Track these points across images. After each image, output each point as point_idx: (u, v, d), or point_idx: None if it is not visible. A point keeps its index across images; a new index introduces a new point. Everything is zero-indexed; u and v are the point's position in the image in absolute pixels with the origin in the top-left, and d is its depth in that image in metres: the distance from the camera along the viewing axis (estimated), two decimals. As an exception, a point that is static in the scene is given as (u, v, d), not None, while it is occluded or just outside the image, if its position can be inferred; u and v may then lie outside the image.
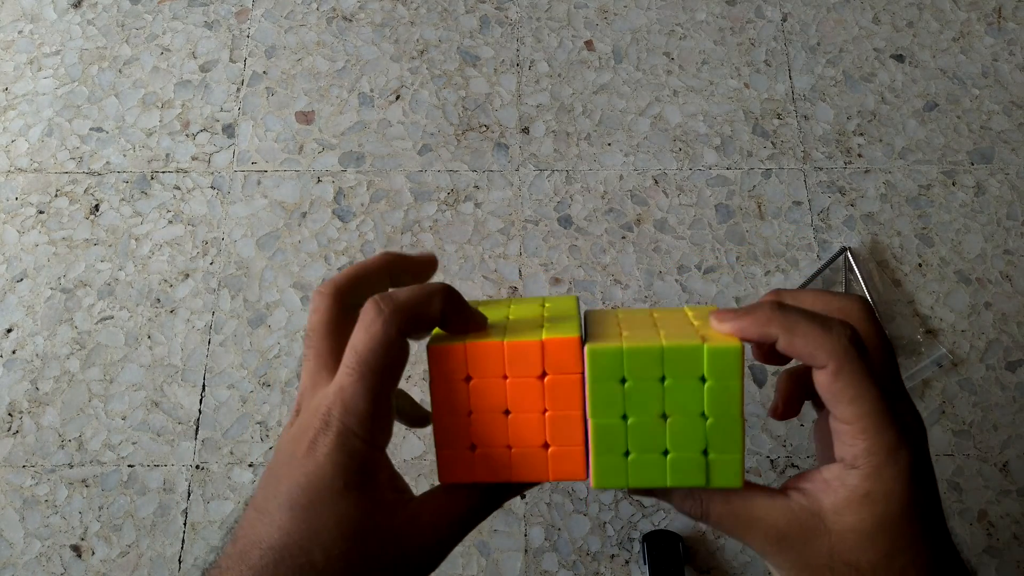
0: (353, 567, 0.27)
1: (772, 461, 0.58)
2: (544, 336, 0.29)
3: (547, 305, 0.33)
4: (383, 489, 0.28)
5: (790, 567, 0.28)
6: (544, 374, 0.29)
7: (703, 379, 0.29)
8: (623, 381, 0.29)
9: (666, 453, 0.29)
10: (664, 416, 0.29)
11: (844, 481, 0.29)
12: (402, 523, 0.28)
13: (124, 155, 0.67)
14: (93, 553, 0.55)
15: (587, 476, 0.29)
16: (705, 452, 0.29)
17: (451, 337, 0.30)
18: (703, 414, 0.29)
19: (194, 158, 0.67)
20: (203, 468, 0.57)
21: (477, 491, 0.29)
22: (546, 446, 0.30)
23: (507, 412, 0.30)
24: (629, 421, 0.29)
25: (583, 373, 0.29)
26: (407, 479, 0.35)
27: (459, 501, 0.29)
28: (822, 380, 0.28)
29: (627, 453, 0.29)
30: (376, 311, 0.28)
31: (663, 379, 0.29)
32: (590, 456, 0.29)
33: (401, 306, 0.29)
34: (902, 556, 0.28)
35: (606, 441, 0.29)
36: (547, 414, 0.30)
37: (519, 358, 0.29)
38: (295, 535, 0.27)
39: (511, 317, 0.32)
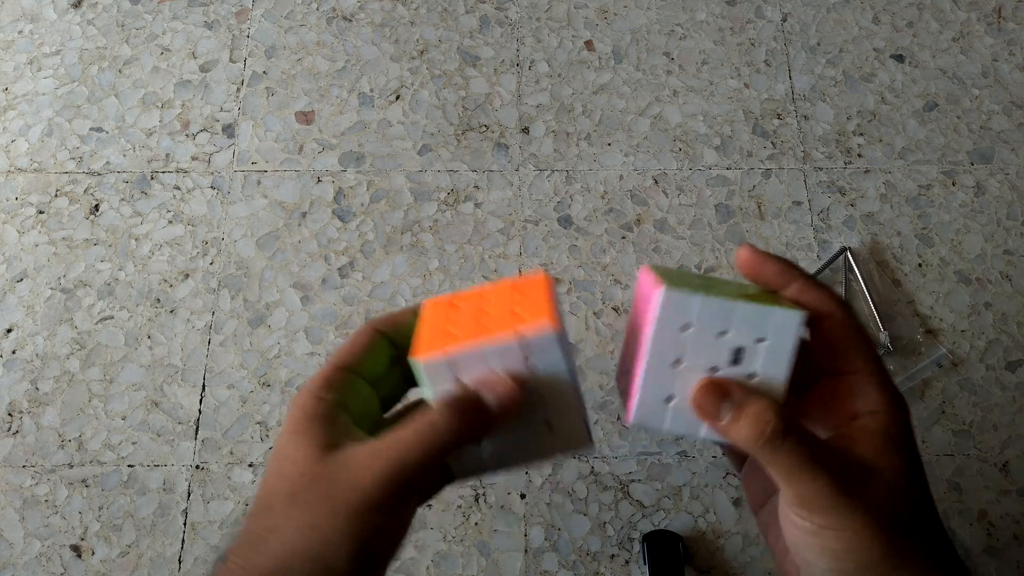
0: (297, 500, 0.29)
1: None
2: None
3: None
4: (330, 431, 0.31)
5: (851, 510, 0.29)
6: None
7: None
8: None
9: None
10: (714, 370, 0.30)
11: (873, 427, 0.30)
12: (343, 459, 0.30)
13: (124, 155, 0.67)
14: (93, 553, 0.55)
15: (552, 322, 0.30)
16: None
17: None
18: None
19: (194, 158, 0.67)
20: (203, 468, 0.57)
21: (412, 433, 0.30)
22: (516, 319, 0.31)
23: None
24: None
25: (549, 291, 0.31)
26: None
27: (396, 443, 0.30)
28: (833, 327, 0.31)
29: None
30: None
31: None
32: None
33: (383, 315, 0.35)
34: (924, 497, 0.30)
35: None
36: (517, 302, 0.32)
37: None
38: (260, 485, 0.31)
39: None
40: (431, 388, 0.30)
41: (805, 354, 0.31)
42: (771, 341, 0.29)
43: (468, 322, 0.31)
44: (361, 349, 0.33)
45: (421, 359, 0.30)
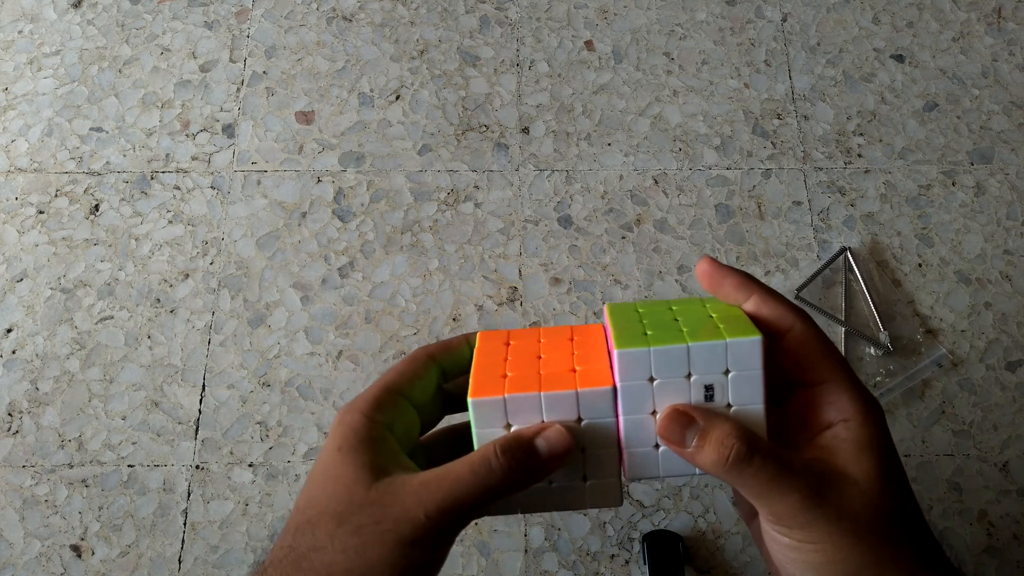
0: (345, 522, 0.29)
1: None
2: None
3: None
4: (378, 455, 0.30)
5: (827, 523, 0.29)
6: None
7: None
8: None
9: None
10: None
11: (845, 435, 0.30)
12: (394, 487, 0.29)
13: (124, 155, 0.67)
14: (93, 553, 0.55)
15: (614, 382, 0.30)
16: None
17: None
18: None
19: (194, 158, 0.67)
20: (203, 468, 0.57)
21: (468, 471, 0.29)
22: (574, 370, 0.31)
23: (540, 358, 0.32)
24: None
25: (605, 328, 0.30)
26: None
27: (452, 480, 0.29)
28: (792, 343, 0.31)
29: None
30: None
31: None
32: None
33: (435, 343, 0.35)
34: (905, 500, 0.30)
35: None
36: (575, 354, 0.32)
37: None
38: (300, 498, 0.31)
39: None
40: (481, 427, 0.30)
41: (773, 369, 0.32)
42: (736, 372, 0.30)
43: (524, 365, 0.32)
44: (414, 375, 0.34)
45: (477, 399, 0.30)
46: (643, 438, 0.30)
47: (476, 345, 0.34)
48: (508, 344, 0.34)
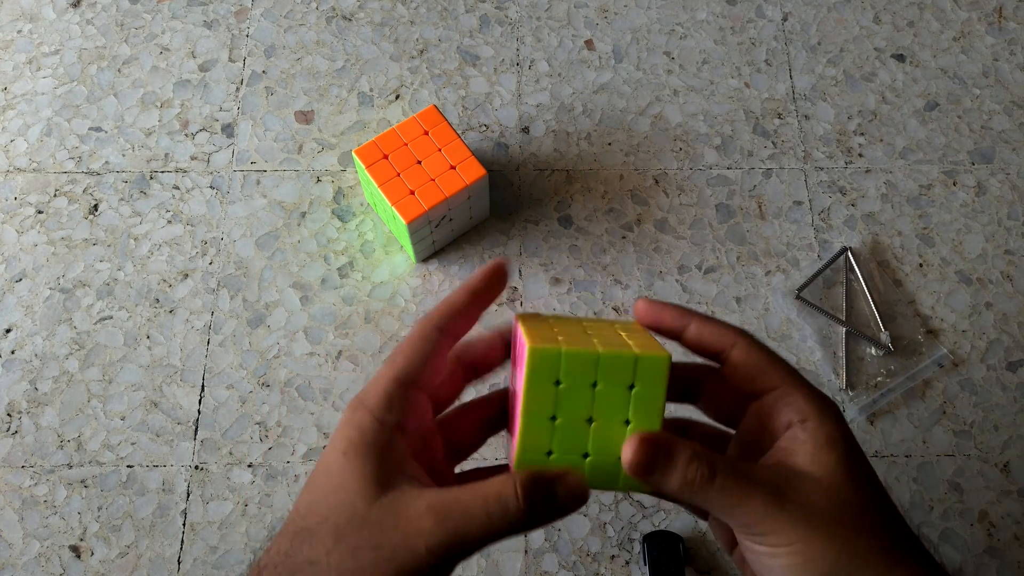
0: (343, 538, 0.28)
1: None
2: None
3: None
4: (385, 464, 0.29)
5: (793, 524, 0.29)
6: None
7: (631, 387, 0.30)
8: (557, 383, 0.30)
9: (586, 456, 0.30)
10: (590, 420, 0.30)
11: (803, 436, 0.31)
12: (397, 507, 0.28)
13: (123, 155, 0.67)
14: (92, 554, 0.55)
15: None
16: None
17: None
18: (627, 421, 0.30)
19: (193, 158, 0.67)
20: (202, 468, 0.57)
21: (480, 507, 0.28)
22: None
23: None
24: (556, 422, 0.30)
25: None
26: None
27: (459, 511, 0.28)
28: (737, 358, 0.32)
29: (549, 453, 0.30)
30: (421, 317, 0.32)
31: (595, 384, 0.30)
32: (514, 449, 0.30)
33: (438, 307, 0.32)
34: (873, 492, 0.31)
35: (532, 439, 0.30)
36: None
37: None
38: (300, 499, 0.30)
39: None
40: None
41: (726, 386, 0.33)
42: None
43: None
44: (423, 358, 0.31)
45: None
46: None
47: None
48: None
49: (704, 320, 0.33)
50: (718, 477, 0.29)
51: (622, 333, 0.33)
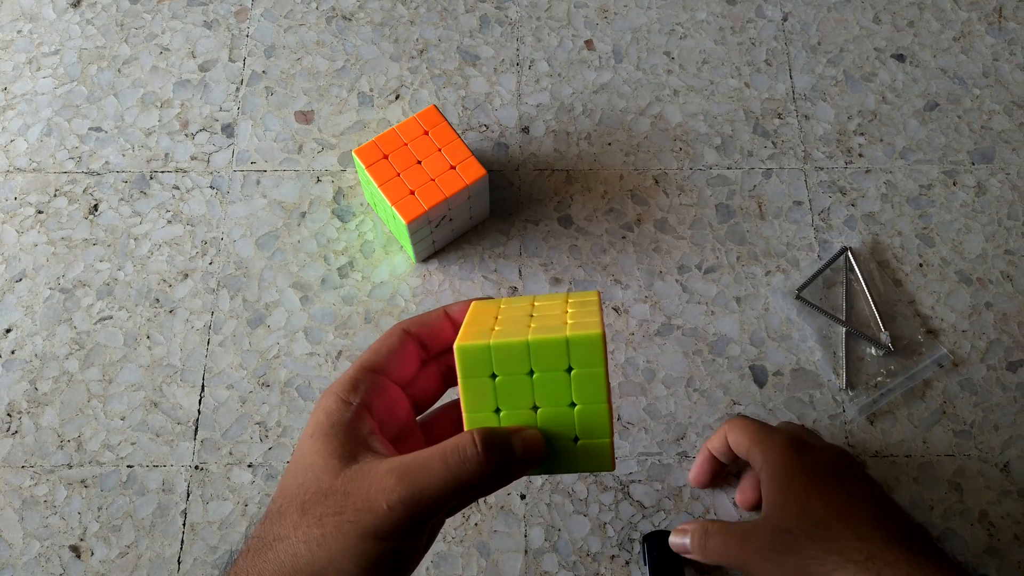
0: (308, 512, 0.28)
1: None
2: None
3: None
4: (351, 441, 0.30)
5: (753, 558, 0.43)
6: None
7: (569, 369, 0.29)
8: (493, 376, 0.30)
9: None
10: (535, 408, 0.30)
11: (760, 482, 0.45)
12: (359, 474, 0.28)
13: (123, 155, 0.67)
14: (92, 554, 0.55)
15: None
16: (576, 439, 0.30)
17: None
18: (572, 403, 0.30)
19: (193, 158, 0.67)
20: (202, 469, 0.57)
21: (439, 460, 0.28)
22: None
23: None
24: (501, 415, 0.30)
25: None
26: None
27: (419, 469, 0.28)
28: (733, 441, 0.49)
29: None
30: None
31: (531, 372, 0.30)
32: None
33: (412, 317, 0.35)
34: (812, 507, 0.42)
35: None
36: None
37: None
38: (278, 486, 0.31)
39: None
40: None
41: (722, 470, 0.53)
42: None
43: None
44: (388, 350, 0.33)
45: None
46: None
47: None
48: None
49: (721, 436, 0.50)
50: (711, 539, 0.47)
51: (570, 310, 0.32)
